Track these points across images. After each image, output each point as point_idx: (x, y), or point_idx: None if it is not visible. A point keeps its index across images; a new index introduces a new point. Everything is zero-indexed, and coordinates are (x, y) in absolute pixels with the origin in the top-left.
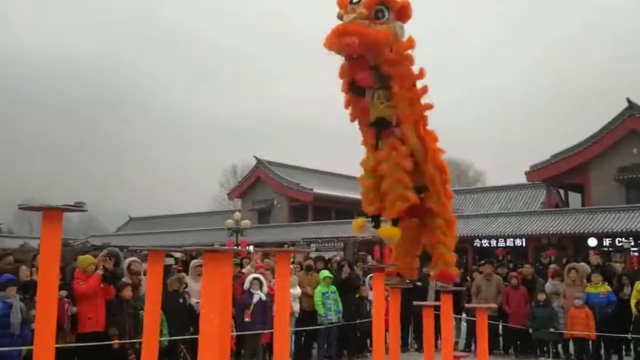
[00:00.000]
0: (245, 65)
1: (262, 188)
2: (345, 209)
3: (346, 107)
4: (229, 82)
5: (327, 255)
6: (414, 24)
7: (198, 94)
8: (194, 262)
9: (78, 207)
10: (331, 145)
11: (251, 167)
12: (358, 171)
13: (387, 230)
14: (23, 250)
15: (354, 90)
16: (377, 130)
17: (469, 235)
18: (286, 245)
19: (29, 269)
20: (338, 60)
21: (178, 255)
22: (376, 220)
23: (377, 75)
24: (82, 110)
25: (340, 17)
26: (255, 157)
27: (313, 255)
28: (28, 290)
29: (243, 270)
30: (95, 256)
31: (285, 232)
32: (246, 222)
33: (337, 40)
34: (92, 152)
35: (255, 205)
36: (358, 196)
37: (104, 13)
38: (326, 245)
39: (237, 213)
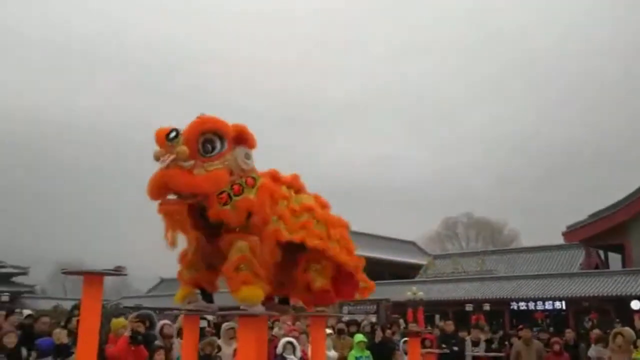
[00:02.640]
0: (260, 123)
1: None
2: (376, 270)
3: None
4: None
5: (358, 318)
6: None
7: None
8: (225, 325)
9: (118, 271)
10: (357, 205)
11: None
12: (385, 231)
13: (247, 293)
14: (56, 312)
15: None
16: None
17: (504, 297)
18: (315, 309)
19: (62, 331)
20: None
21: (210, 317)
22: (206, 293)
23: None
24: (111, 170)
25: (157, 158)
26: None
27: (345, 318)
28: (60, 353)
29: (273, 333)
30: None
31: None
32: None
33: (157, 196)
34: (122, 213)
35: None
36: (388, 257)
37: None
38: (358, 307)
39: None
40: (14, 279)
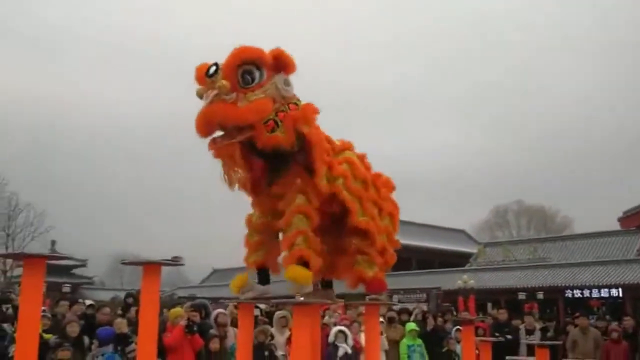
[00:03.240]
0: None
1: None
2: (426, 259)
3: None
4: None
5: (410, 307)
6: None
7: None
8: (278, 314)
9: (175, 261)
10: (409, 194)
11: None
12: (437, 220)
13: (297, 272)
14: (114, 303)
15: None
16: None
17: (558, 285)
18: (367, 298)
19: (122, 321)
20: None
21: (263, 306)
22: (263, 275)
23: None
24: (157, 165)
25: (200, 95)
26: None
27: (397, 307)
28: (120, 342)
29: (324, 322)
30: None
31: None
32: None
33: (205, 132)
34: (176, 206)
35: None
36: (440, 246)
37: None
38: (408, 296)
39: None
40: (74, 270)
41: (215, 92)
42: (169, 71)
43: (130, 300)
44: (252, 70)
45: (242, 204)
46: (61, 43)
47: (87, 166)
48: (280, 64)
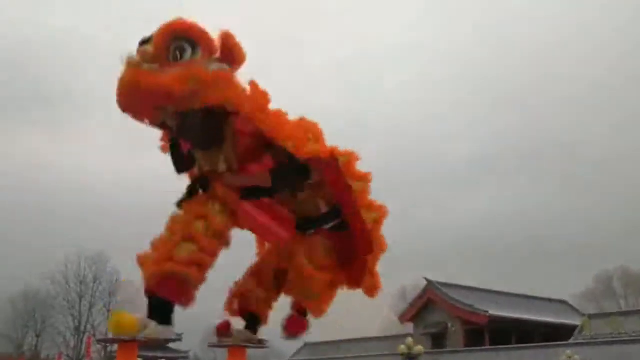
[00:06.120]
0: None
1: (434, 311)
2: (526, 332)
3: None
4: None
5: None
6: None
7: None
8: None
9: (260, 344)
10: (507, 264)
11: (420, 289)
12: (537, 291)
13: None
14: None
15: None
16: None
17: None
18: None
19: None
20: None
21: None
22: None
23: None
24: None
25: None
26: (425, 278)
27: None
28: None
29: None
30: None
31: (461, 358)
32: (419, 348)
33: (125, 103)
34: None
35: (428, 329)
36: (540, 318)
37: None
38: None
39: (410, 338)
40: (170, 344)
41: (137, 59)
42: None
43: None
44: (184, 47)
45: None
46: None
47: None
48: (227, 50)
